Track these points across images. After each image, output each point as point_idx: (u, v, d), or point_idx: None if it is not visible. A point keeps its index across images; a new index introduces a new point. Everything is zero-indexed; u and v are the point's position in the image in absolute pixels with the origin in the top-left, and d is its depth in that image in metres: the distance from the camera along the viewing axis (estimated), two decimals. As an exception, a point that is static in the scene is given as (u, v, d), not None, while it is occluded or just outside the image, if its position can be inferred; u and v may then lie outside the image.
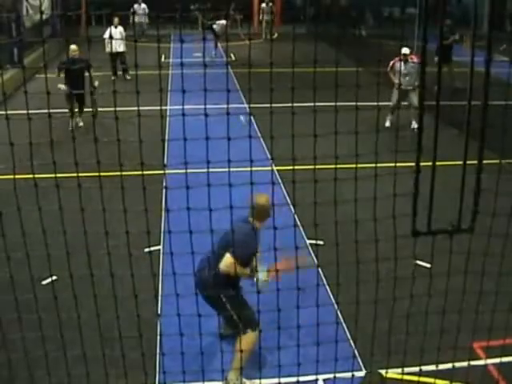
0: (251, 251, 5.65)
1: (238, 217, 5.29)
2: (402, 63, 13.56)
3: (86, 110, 13.96)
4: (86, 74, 13.61)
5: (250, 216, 5.66)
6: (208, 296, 5.59)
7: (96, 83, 13.25)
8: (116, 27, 18.58)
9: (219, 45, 24.08)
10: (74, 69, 13.20)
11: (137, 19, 25.71)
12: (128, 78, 18.54)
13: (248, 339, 5.60)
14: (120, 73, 18.72)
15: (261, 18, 28.86)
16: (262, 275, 5.56)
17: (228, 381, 5.60)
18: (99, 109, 11.64)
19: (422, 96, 3.42)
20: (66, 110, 13.45)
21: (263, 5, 29.20)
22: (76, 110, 13.88)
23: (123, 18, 19.29)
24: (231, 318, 5.78)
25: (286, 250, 4.08)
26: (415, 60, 13.68)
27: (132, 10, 25.74)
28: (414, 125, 13.18)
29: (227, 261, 5.43)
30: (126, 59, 18.62)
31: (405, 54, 13.48)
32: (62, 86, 13.10)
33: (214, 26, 23.21)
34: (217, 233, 3.70)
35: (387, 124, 13.91)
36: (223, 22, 23.65)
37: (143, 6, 26.31)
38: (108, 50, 17.79)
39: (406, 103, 13.93)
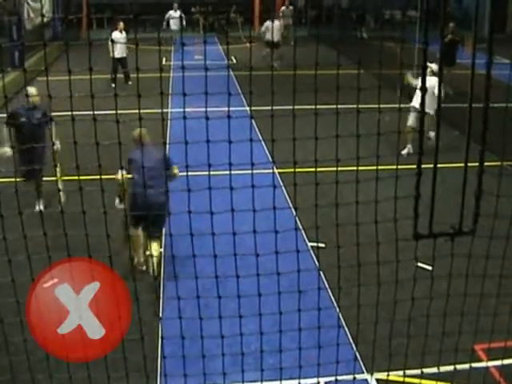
0: None
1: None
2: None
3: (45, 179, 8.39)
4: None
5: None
6: (161, 215, 7.09)
7: (57, 144, 8.34)
8: (121, 32, 18.52)
9: (220, 47, 23.90)
10: (30, 122, 9.17)
11: (173, 26, 24.44)
12: (129, 83, 18.48)
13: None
14: (121, 76, 18.68)
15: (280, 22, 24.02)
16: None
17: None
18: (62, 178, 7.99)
19: (423, 98, 3.42)
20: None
21: (283, 8, 27.33)
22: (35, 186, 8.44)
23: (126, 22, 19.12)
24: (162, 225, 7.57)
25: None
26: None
27: (168, 16, 24.53)
28: (430, 134, 10.63)
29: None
30: (127, 64, 18.54)
31: (432, 71, 10.58)
32: (8, 151, 8.64)
33: (268, 37, 20.32)
34: (216, 234, 3.69)
35: (404, 152, 11.30)
36: (269, 23, 21.21)
37: (179, 12, 24.47)
38: (111, 54, 17.79)
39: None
